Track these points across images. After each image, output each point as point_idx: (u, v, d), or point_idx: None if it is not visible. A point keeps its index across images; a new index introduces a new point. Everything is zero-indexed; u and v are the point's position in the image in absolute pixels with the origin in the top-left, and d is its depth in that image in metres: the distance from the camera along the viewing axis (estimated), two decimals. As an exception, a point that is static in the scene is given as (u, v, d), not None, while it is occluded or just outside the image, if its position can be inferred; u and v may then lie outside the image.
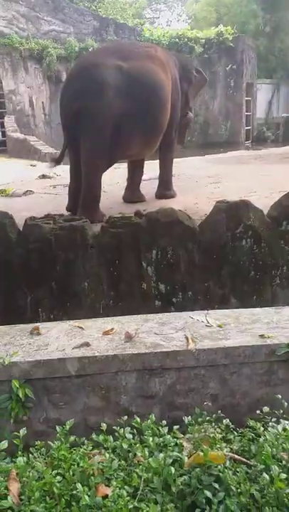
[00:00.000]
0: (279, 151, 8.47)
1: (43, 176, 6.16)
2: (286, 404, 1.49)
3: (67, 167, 7.69)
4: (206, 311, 1.88)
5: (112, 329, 1.73)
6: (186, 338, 1.65)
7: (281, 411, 1.49)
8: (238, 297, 2.71)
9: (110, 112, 3.13)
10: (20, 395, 1.54)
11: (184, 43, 13.68)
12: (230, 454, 1.38)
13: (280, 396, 1.52)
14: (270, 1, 18.48)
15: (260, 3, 18.53)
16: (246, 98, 15.12)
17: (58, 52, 12.20)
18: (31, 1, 12.27)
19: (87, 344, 1.63)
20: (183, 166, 6.24)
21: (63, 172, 6.73)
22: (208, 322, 1.76)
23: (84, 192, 3.40)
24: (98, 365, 1.59)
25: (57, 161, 3.68)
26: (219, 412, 1.51)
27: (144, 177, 5.20)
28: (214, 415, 1.51)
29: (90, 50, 12.39)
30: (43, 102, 12.35)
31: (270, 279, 2.76)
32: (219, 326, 1.73)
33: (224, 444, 1.41)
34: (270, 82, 18.38)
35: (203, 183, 4.89)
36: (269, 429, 1.41)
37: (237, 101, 14.62)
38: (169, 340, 1.66)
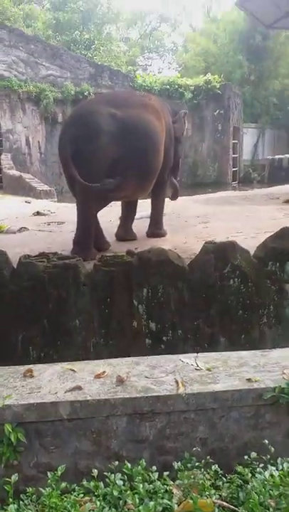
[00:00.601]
0: (265, 192, 8.74)
1: (38, 213, 6.26)
2: (273, 449, 1.52)
3: (61, 204, 7.85)
4: (195, 354, 1.92)
5: (104, 372, 1.75)
6: (176, 382, 1.68)
7: (268, 456, 1.51)
8: (227, 336, 2.74)
9: (104, 156, 3.27)
10: (12, 439, 1.54)
11: (175, 89, 14.37)
12: (219, 501, 1.39)
13: (266, 441, 1.55)
14: (255, 52, 19.65)
15: (245, 54, 19.66)
16: (233, 141, 15.74)
17: (55, 95, 12.73)
18: (31, 48, 12.91)
19: (79, 388, 1.65)
20: (173, 206, 6.39)
21: (57, 209, 6.87)
22: (197, 365, 1.80)
23: (78, 230, 3.49)
24: (90, 409, 1.60)
25: None
26: (208, 457, 1.53)
27: (135, 216, 5.34)
28: (203, 460, 1.52)
29: (85, 93, 12.98)
30: (39, 142, 12.75)
31: (258, 318, 2.80)
32: (208, 370, 1.77)
33: (213, 491, 1.42)
34: (256, 126, 19.22)
35: (192, 222, 5.01)
36: (256, 475, 1.43)
37: (224, 144, 15.21)
38: (160, 384, 1.68)
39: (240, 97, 16.89)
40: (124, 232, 4.19)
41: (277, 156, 15.57)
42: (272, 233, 2.86)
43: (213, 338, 2.73)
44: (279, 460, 1.52)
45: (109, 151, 3.28)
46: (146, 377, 1.73)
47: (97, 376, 1.74)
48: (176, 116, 4.38)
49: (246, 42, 19.72)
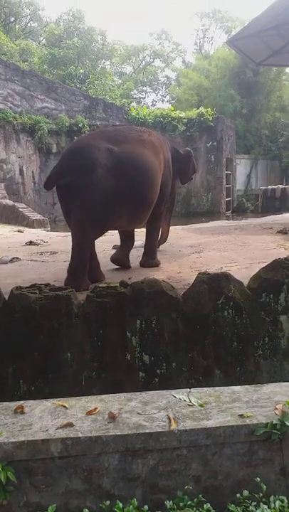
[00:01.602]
0: (258, 222, 8.87)
1: (30, 243, 6.29)
2: (265, 487, 1.50)
3: (54, 233, 7.90)
4: (188, 390, 1.91)
5: (96, 409, 1.74)
6: (169, 419, 1.66)
7: (261, 494, 1.49)
8: (222, 368, 2.72)
9: (99, 188, 3.35)
10: (2, 479, 1.51)
11: (168, 121, 14.79)
12: None
13: (258, 479, 1.53)
14: (246, 87, 20.43)
15: (236, 89, 20.42)
16: (226, 172, 16.11)
17: (50, 126, 13.06)
18: (26, 81, 13.36)
19: (70, 424, 1.63)
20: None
21: (50, 239, 6.92)
22: (190, 401, 1.79)
23: (72, 261, 3.51)
24: (81, 447, 1.58)
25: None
26: (200, 496, 1.50)
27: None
28: (196, 499, 1.50)
29: (79, 125, 13.35)
30: (33, 171, 12.98)
31: (253, 350, 2.79)
32: (201, 406, 1.76)
33: (206, 531, 1.39)
34: (248, 157, 19.74)
35: (186, 252, 5.06)
36: (249, 514, 1.41)
37: (218, 174, 15.56)
38: (152, 420, 1.67)
39: (233, 130, 17.41)
40: (121, 256, 4.24)
41: (270, 186, 15.90)
42: (265, 264, 2.89)
43: (208, 371, 2.70)
44: (272, 498, 1.50)
45: (104, 184, 3.35)
46: (139, 413, 1.72)
47: (89, 412, 1.72)
48: (183, 154, 4.62)
49: (238, 77, 20.53)
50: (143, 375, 2.67)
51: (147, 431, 1.60)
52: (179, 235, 6.69)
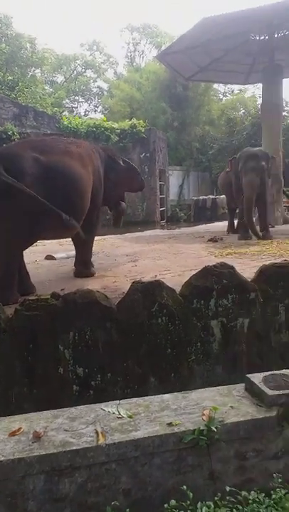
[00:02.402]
0: (190, 231, 9.18)
1: None
2: (191, 494, 1.50)
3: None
4: (118, 402, 1.88)
5: (20, 429, 1.65)
6: (97, 433, 1.62)
7: (188, 502, 1.49)
8: (157, 376, 2.73)
9: (24, 198, 3.25)
10: None
11: (101, 132, 14.75)
12: None
13: (184, 487, 1.53)
14: (176, 101, 21.11)
15: (167, 102, 21.01)
16: (160, 182, 16.44)
17: (-24, 134, 12.46)
18: None
19: (-9, 448, 1.53)
20: (103, 244, 6.46)
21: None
22: (119, 413, 1.76)
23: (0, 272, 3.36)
24: (3, 471, 1.49)
25: None
26: (127, 510, 1.47)
27: (61, 255, 5.28)
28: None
29: (9, 133, 12.89)
30: None
31: (186, 355, 2.83)
32: (130, 417, 1.74)
33: None
34: (181, 168, 20.31)
35: (121, 261, 5.07)
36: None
37: (151, 185, 15.78)
38: (79, 436, 1.62)
39: (165, 141, 17.82)
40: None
41: (201, 197, 16.51)
42: (197, 271, 2.97)
43: (143, 379, 2.70)
44: (199, 504, 1.51)
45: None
46: (66, 430, 1.66)
47: (12, 433, 1.63)
48: (123, 165, 4.76)
49: (168, 91, 21.15)
50: (77, 389, 2.60)
51: (74, 448, 1.55)
52: (115, 244, 6.71)
